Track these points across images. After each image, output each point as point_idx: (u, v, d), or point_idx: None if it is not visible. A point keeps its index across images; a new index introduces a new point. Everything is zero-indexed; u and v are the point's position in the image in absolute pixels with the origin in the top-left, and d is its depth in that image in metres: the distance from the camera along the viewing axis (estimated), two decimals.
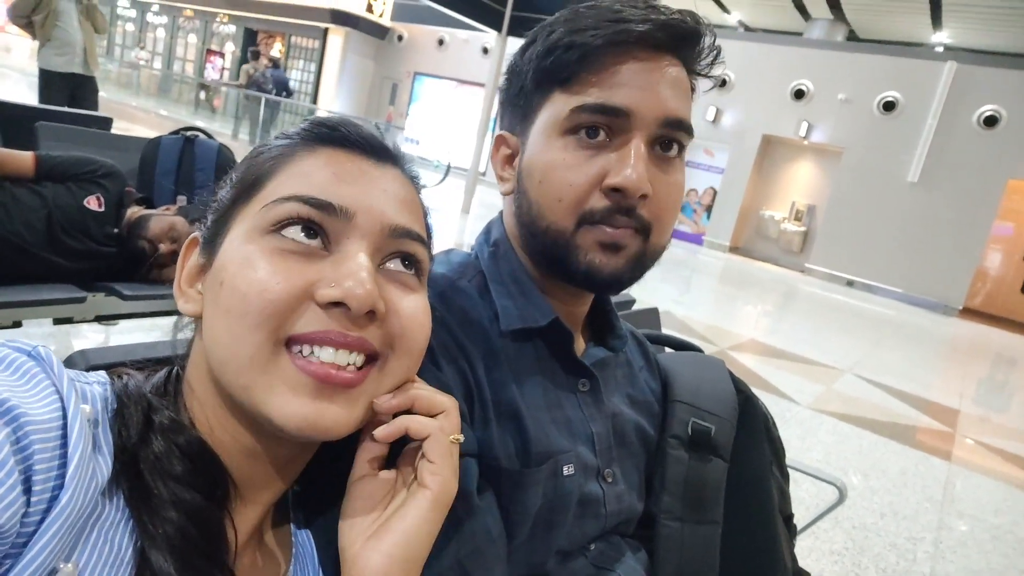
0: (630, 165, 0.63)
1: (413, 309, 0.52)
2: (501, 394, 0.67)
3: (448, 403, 0.54)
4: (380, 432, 0.51)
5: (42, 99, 4.65)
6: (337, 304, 0.46)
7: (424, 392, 0.53)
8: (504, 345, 0.70)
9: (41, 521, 0.37)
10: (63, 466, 0.38)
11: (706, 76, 0.71)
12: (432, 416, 0.53)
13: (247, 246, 0.48)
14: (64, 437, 0.39)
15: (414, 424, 0.51)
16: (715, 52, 0.69)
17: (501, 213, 0.78)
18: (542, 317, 0.71)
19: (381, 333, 0.50)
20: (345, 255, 0.48)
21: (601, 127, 0.65)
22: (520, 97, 0.71)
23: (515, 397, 0.67)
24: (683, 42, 0.67)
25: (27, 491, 0.36)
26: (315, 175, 0.50)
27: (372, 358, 0.50)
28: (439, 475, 0.51)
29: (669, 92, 0.65)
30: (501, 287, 0.73)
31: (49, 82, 4.65)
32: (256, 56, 13.18)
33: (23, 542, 0.36)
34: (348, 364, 0.48)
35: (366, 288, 0.46)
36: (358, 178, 0.51)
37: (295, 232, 0.48)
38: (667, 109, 0.65)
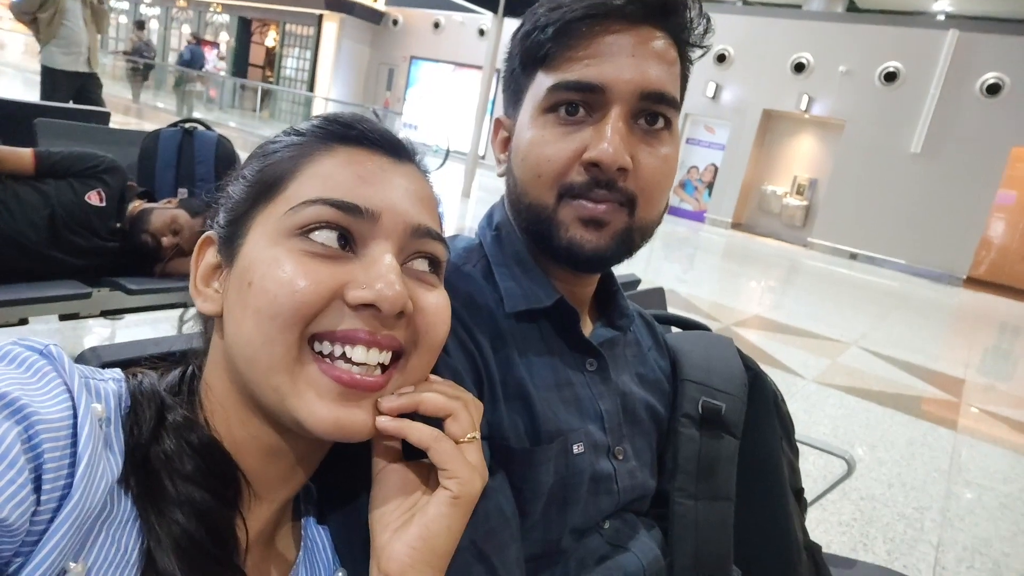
0: (606, 139, 0.63)
1: (436, 306, 0.52)
2: (509, 374, 0.67)
3: (455, 406, 0.52)
4: (380, 423, 0.49)
5: (45, 96, 4.63)
6: (367, 305, 0.47)
7: (429, 396, 0.52)
8: (510, 327, 0.70)
9: (52, 520, 0.37)
10: (73, 465, 0.38)
11: (698, 46, 0.70)
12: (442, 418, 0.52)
13: (274, 249, 0.48)
14: (75, 436, 0.39)
15: (413, 433, 0.50)
16: (704, 20, 0.69)
17: (503, 197, 0.78)
18: (547, 297, 0.71)
19: (407, 332, 0.50)
20: (373, 257, 0.49)
21: (579, 103, 0.65)
22: (512, 80, 0.72)
23: (523, 377, 0.67)
24: (662, 13, 0.66)
25: (37, 489, 0.36)
26: (337, 176, 0.50)
27: (396, 356, 0.50)
28: (455, 478, 0.50)
29: (648, 65, 0.64)
30: (505, 269, 0.73)
31: (54, 80, 4.64)
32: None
33: (34, 540, 0.36)
34: (377, 363, 0.49)
35: (396, 290, 0.47)
36: (379, 177, 0.51)
37: (322, 235, 0.48)
38: (645, 82, 0.64)
